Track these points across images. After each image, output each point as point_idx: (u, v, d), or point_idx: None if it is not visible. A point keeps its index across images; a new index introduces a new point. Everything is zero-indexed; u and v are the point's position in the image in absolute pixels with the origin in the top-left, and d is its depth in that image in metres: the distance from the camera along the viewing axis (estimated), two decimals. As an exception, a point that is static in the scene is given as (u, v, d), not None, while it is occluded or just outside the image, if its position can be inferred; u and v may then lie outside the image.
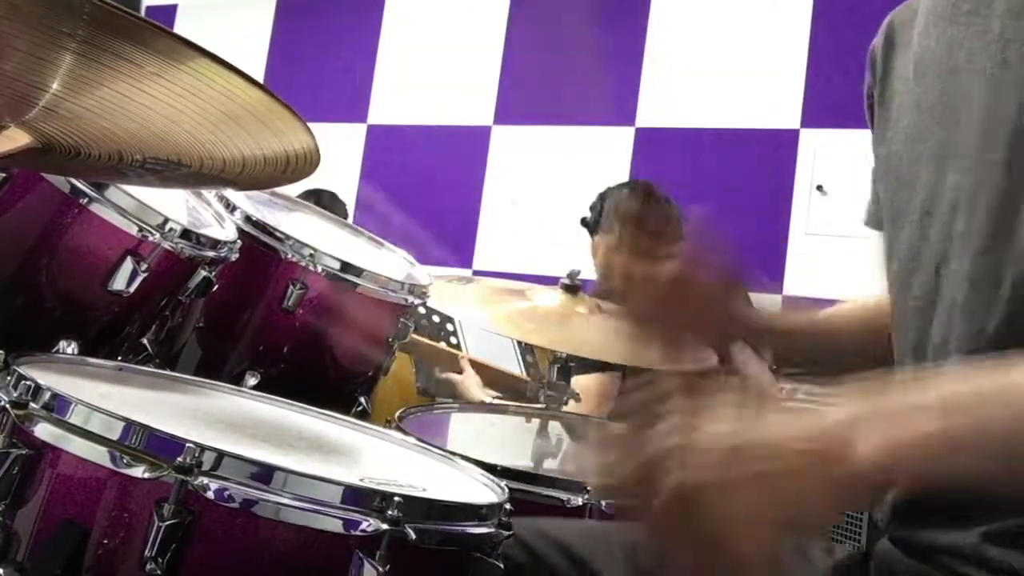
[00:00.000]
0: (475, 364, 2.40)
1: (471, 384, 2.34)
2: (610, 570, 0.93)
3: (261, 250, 1.42)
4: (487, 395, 2.33)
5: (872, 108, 1.04)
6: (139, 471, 0.77)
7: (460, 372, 2.37)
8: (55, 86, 0.70)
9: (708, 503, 0.63)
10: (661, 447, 0.65)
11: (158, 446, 0.78)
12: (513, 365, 2.64)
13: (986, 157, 0.83)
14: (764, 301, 1.32)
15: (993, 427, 0.64)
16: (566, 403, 1.84)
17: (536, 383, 1.93)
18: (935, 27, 0.93)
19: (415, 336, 1.81)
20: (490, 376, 2.41)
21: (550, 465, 1.54)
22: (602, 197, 2.63)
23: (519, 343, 2.68)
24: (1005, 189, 0.81)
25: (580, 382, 2.12)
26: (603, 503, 1.21)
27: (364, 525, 0.78)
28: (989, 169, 0.82)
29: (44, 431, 0.81)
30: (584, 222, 2.65)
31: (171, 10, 4.99)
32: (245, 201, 1.48)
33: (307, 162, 0.78)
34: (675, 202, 2.56)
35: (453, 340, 2.71)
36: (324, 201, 3.05)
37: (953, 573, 0.82)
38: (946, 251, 0.87)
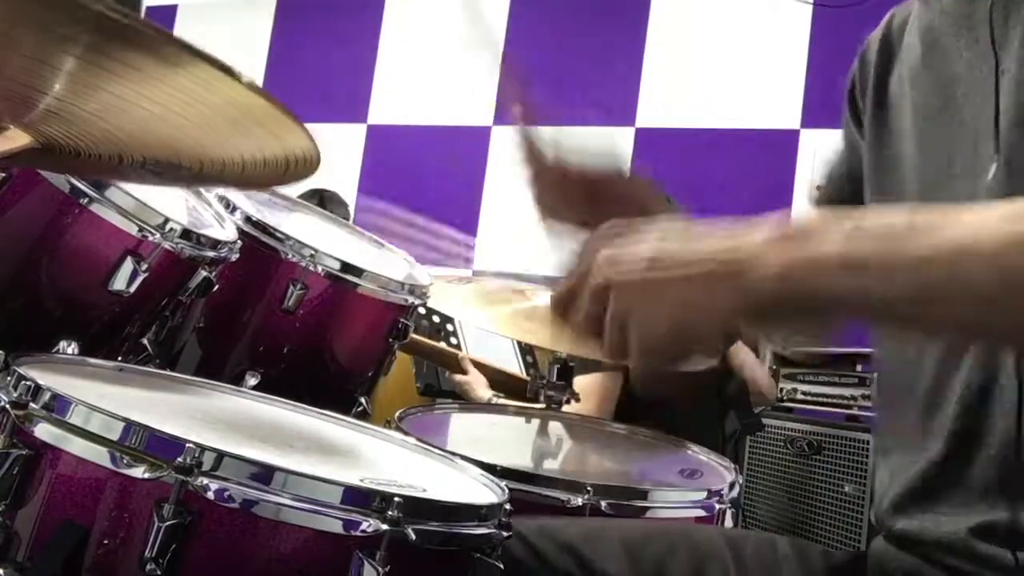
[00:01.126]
0: (475, 364, 2.40)
1: (477, 384, 2.34)
2: (612, 568, 0.93)
3: (261, 250, 1.42)
4: (492, 395, 2.34)
5: (862, 103, 1.04)
6: (139, 471, 0.77)
7: (465, 372, 2.37)
8: (57, 89, 0.70)
9: (620, 300, 0.71)
10: (591, 254, 0.74)
11: (158, 446, 0.78)
12: (513, 365, 2.64)
13: (990, 163, 0.83)
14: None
15: (900, 252, 0.64)
16: (566, 403, 1.84)
17: (536, 383, 1.93)
18: (927, 36, 0.94)
19: (415, 336, 1.81)
20: (489, 375, 2.41)
21: (550, 465, 1.54)
22: None
23: (519, 343, 2.68)
24: (1007, 195, 0.81)
25: (580, 382, 2.12)
26: (602, 503, 1.22)
27: (364, 525, 0.78)
28: (999, 178, 0.83)
29: (44, 431, 0.81)
30: None
31: (171, 10, 4.99)
32: (245, 201, 1.48)
33: (307, 164, 0.78)
34: (678, 203, 2.57)
35: (453, 340, 2.71)
36: (326, 201, 3.05)
37: (944, 567, 0.82)
38: None
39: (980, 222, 0.64)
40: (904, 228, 0.65)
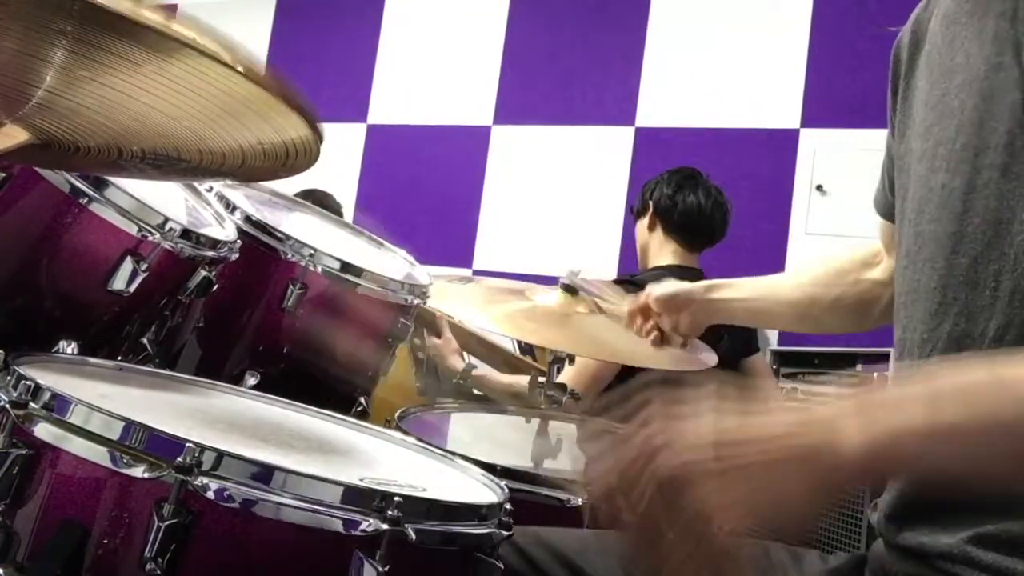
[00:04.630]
0: (453, 328, 2.36)
1: (448, 351, 2.31)
2: None
3: (261, 250, 1.42)
4: (464, 362, 2.31)
5: (895, 98, 1.04)
6: (139, 471, 0.77)
7: (439, 336, 2.34)
8: (48, 82, 0.69)
9: (692, 493, 0.64)
10: (646, 441, 0.67)
11: (158, 446, 0.78)
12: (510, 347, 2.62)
13: (981, 159, 0.83)
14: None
15: (984, 415, 0.63)
16: (559, 373, 1.84)
17: (536, 383, 1.92)
18: (942, 25, 0.94)
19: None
20: (468, 341, 2.38)
21: (550, 465, 1.54)
22: (647, 184, 2.67)
23: (519, 343, 2.68)
24: (1001, 191, 0.81)
25: (576, 364, 2.12)
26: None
27: (364, 525, 0.78)
28: (986, 171, 0.82)
29: (44, 431, 0.81)
30: (632, 209, 2.71)
31: (171, 10, 4.99)
32: (245, 201, 1.48)
33: (307, 154, 0.78)
34: (721, 193, 2.57)
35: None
36: (319, 201, 3.04)
37: (945, 574, 0.82)
38: (941, 250, 0.87)
39: None
40: (986, 388, 0.64)
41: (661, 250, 2.54)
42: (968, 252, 0.83)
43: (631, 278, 2.49)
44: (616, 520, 0.69)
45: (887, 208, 1.10)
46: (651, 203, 2.56)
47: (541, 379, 1.92)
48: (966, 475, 0.66)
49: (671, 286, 1.40)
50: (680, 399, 0.69)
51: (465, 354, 2.36)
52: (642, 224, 2.60)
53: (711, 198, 2.54)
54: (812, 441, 0.65)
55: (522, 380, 2.05)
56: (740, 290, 1.35)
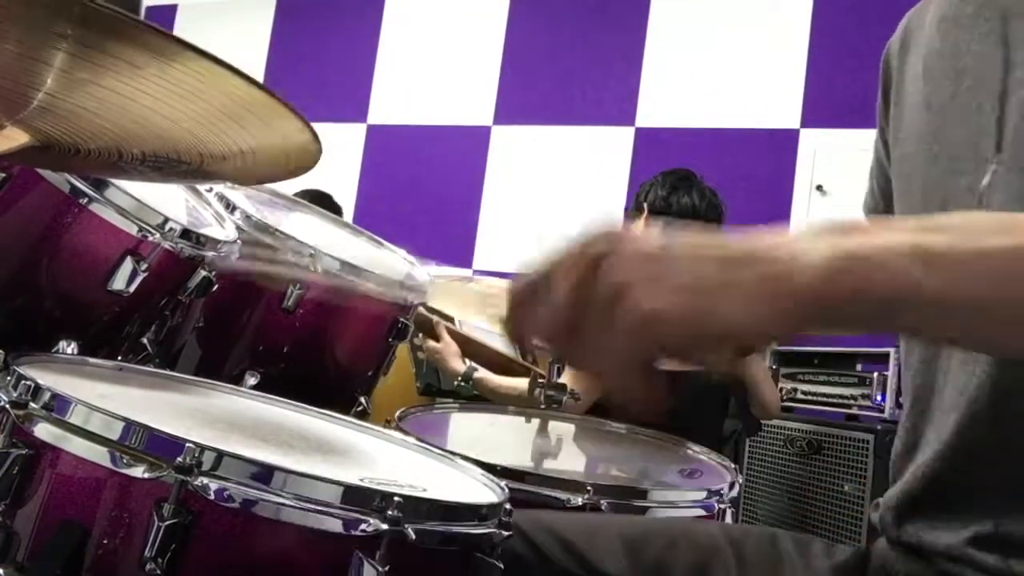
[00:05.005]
0: (451, 333, 2.37)
1: (449, 354, 2.32)
2: (609, 563, 0.93)
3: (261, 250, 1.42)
4: (465, 365, 2.31)
5: (887, 106, 1.04)
6: (139, 471, 0.77)
7: (437, 340, 2.34)
8: (49, 85, 0.70)
9: (619, 272, 0.56)
10: (589, 253, 0.58)
11: (158, 446, 0.78)
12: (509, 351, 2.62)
13: (1001, 160, 0.83)
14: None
15: (983, 246, 0.55)
16: (559, 376, 1.84)
17: (536, 383, 1.92)
18: (939, 29, 0.93)
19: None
20: (468, 346, 2.38)
21: (550, 465, 1.54)
22: (641, 186, 2.68)
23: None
24: (1020, 192, 0.81)
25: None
26: (602, 503, 1.22)
27: (364, 525, 0.78)
28: (1004, 173, 0.82)
29: (44, 431, 0.81)
30: (627, 212, 2.75)
31: (171, 10, 4.99)
32: (245, 201, 1.48)
33: (307, 157, 0.78)
34: (716, 194, 2.58)
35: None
36: (319, 201, 3.04)
37: (947, 574, 0.82)
38: None
39: None
40: (986, 225, 0.57)
41: None
42: None
43: None
44: (530, 310, 0.60)
45: (875, 213, 1.10)
46: (645, 205, 2.56)
47: (541, 379, 1.92)
48: (944, 310, 0.56)
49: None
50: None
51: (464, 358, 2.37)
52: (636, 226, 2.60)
53: (705, 199, 2.54)
54: (770, 253, 0.55)
55: (524, 382, 2.05)
56: None
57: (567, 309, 0.57)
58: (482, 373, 2.30)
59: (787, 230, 0.58)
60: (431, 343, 2.33)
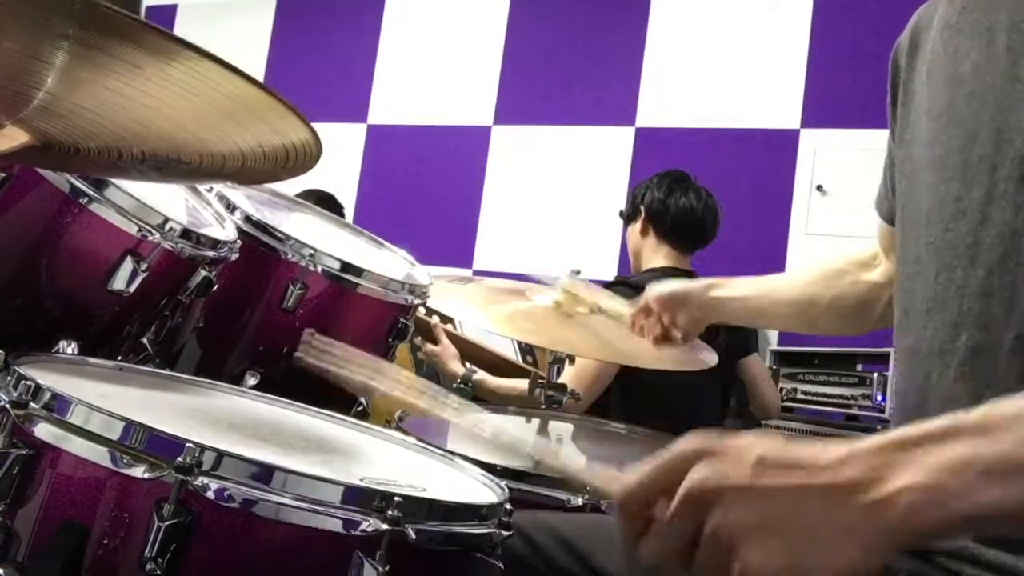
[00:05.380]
0: (450, 336, 2.37)
1: (448, 357, 2.32)
2: (610, 563, 0.93)
3: (261, 250, 1.42)
4: (464, 368, 2.32)
5: (894, 103, 1.04)
6: (139, 471, 0.77)
7: (436, 343, 2.34)
8: (50, 84, 0.70)
9: (722, 509, 0.59)
10: (686, 452, 0.62)
11: (158, 446, 0.78)
12: (509, 354, 2.63)
13: (999, 171, 0.83)
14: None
15: None
16: (558, 374, 1.84)
17: (536, 383, 1.93)
18: (942, 34, 0.93)
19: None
20: (467, 350, 2.38)
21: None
22: (636, 188, 2.69)
23: (519, 343, 2.68)
24: (1017, 203, 0.81)
25: (576, 364, 2.12)
26: (603, 504, 1.22)
27: (364, 525, 0.78)
28: (1003, 182, 0.82)
29: (44, 431, 0.81)
30: (621, 214, 2.73)
31: (171, 10, 4.99)
32: (245, 201, 1.48)
33: (307, 156, 0.78)
34: (711, 195, 2.58)
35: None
36: (321, 203, 3.05)
37: (950, 572, 0.82)
38: (950, 260, 0.86)
39: None
40: None
41: (654, 254, 2.54)
42: (984, 263, 0.83)
43: (626, 280, 2.49)
44: (640, 525, 0.64)
45: (890, 212, 1.11)
46: (642, 207, 2.56)
47: (541, 379, 1.93)
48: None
49: (670, 285, 1.41)
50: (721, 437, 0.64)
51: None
52: (633, 228, 2.61)
53: (702, 200, 2.55)
54: (858, 473, 0.57)
55: (523, 383, 2.05)
56: (739, 289, 1.35)
57: (677, 537, 0.61)
58: (481, 375, 2.30)
59: (860, 442, 0.60)
60: (430, 346, 2.34)
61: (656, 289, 1.41)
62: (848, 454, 0.59)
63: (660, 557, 0.63)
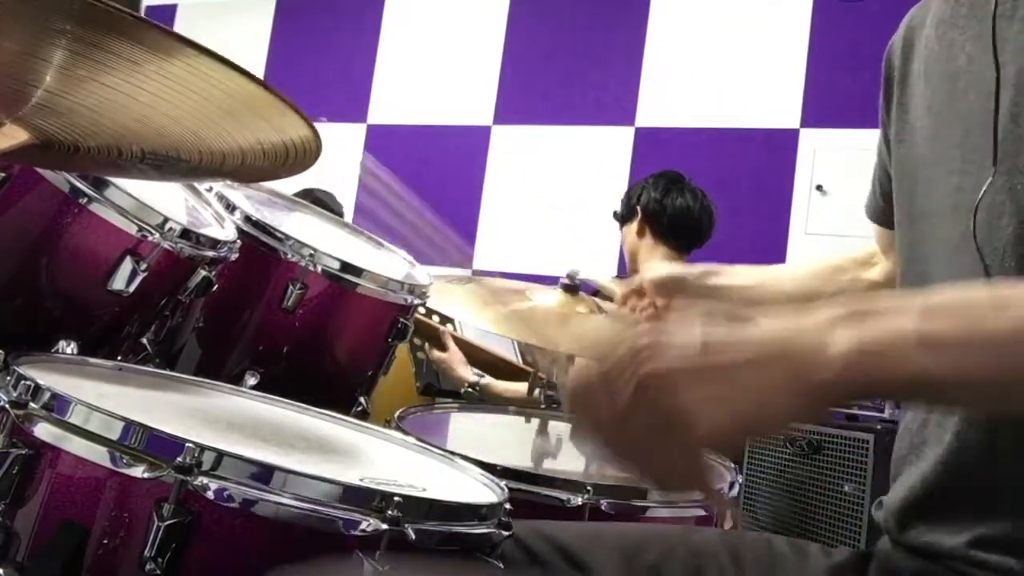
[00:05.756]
0: (457, 341, 2.37)
1: (456, 362, 2.32)
2: (607, 570, 0.93)
3: (261, 250, 1.42)
4: (472, 373, 2.32)
5: (888, 105, 1.04)
6: (139, 471, 0.77)
7: (444, 349, 2.35)
8: (49, 82, 0.70)
9: (674, 390, 0.64)
10: (633, 341, 0.66)
11: (158, 446, 0.78)
12: (510, 356, 2.63)
13: (997, 162, 0.83)
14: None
15: (979, 328, 0.61)
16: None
17: (536, 383, 1.92)
18: (937, 30, 0.93)
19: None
20: (475, 354, 2.39)
21: (550, 465, 1.54)
22: (631, 189, 2.69)
23: (519, 343, 2.68)
24: (1015, 194, 0.81)
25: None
26: (602, 503, 1.21)
27: (364, 525, 0.78)
28: (1000, 175, 0.82)
29: (44, 431, 0.81)
30: (616, 215, 2.72)
31: (171, 10, 4.99)
32: (245, 201, 1.48)
33: (307, 153, 0.78)
34: (706, 195, 2.58)
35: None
36: (320, 202, 3.05)
37: (954, 572, 0.82)
38: (954, 254, 0.86)
39: None
40: (984, 304, 0.62)
41: (651, 254, 2.55)
42: (992, 255, 0.83)
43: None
44: (591, 413, 0.67)
45: (879, 215, 1.11)
46: (639, 208, 2.57)
47: (541, 379, 1.92)
48: (952, 391, 0.63)
49: (665, 269, 1.41)
50: (669, 311, 0.69)
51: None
52: (629, 229, 2.61)
53: (698, 200, 2.56)
54: (799, 342, 0.64)
55: (527, 386, 2.05)
56: (736, 277, 1.35)
57: (623, 418, 0.65)
58: (488, 380, 2.30)
59: (806, 309, 0.66)
60: (437, 352, 2.35)
61: (651, 271, 1.40)
62: (788, 328, 0.65)
63: (616, 445, 0.67)
